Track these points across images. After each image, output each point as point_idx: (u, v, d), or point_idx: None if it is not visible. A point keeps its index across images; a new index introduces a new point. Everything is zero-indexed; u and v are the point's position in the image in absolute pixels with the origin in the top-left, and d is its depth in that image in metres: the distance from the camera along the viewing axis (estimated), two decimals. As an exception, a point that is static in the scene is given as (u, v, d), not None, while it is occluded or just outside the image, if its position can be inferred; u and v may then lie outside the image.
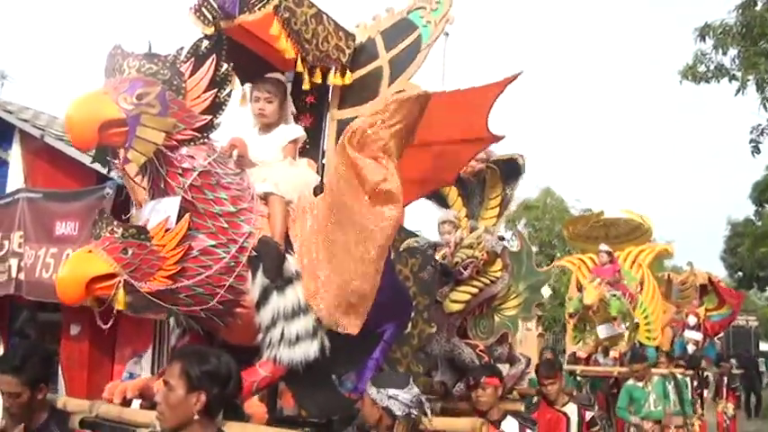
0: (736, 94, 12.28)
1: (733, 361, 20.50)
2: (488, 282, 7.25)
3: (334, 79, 5.20)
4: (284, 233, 4.42)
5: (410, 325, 5.89)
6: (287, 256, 4.36)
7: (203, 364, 3.28)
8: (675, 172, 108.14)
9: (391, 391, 4.19)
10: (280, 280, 4.27)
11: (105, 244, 3.86)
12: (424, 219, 8.21)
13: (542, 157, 51.08)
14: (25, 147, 11.93)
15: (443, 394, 7.11)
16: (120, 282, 3.80)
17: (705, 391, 16.46)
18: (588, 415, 7.14)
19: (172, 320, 4.78)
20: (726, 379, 18.22)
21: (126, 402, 4.24)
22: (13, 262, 10.79)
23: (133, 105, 3.75)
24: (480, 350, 7.24)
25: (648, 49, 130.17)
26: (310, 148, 5.27)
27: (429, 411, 4.35)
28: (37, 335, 11.75)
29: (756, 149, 13.06)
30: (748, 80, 12.07)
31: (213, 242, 4.08)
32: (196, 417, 3.22)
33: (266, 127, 4.95)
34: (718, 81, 12.84)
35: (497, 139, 5.73)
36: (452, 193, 7.80)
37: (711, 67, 12.97)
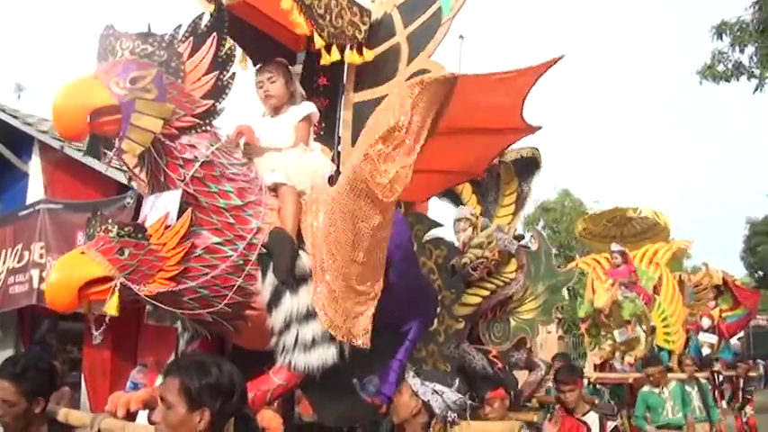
0: (754, 92, 12.10)
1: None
2: (501, 283, 6.86)
3: (351, 57, 4.88)
4: (296, 227, 4.09)
5: (436, 321, 5.58)
6: (300, 252, 4.01)
7: (203, 376, 3.00)
8: (694, 172, 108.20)
9: (438, 387, 3.99)
10: (292, 279, 3.93)
11: (99, 245, 3.54)
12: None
13: (561, 158, 50.60)
14: (45, 158, 12.18)
15: None
16: (116, 285, 3.48)
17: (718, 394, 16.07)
18: (610, 425, 6.81)
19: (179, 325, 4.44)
20: (742, 381, 17.92)
21: (130, 415, 3.91)
22: (35, 273, 10.71)
23: (127, 90, 3.42)
24: (493, 356, 6.79)
25: (667, 47, 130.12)
26: (324, 134, 4.99)
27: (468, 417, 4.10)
28: (58, 344, 11.97)
29: (775, 147, 12.78)
30: (767, 77, 11.86)
31: (219, 239, 3.75)
32: None
33: (275, 110, 4.61)
34: (737, 79, 12.63)
35: (533, 129, 5.09)
36: (466, 190, 7.43)
37: (729, 66, 12.84)
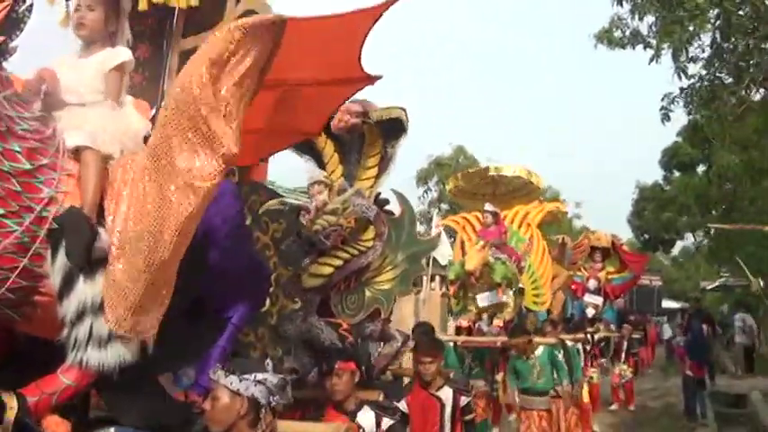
0: (650, 62, 12.18)
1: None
2: (357, 252, 6.49)
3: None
4: (97, 200, 3.60)
5: (268, 302, 5.26)
6: (99, 230, 3.54)
7: None
8: (589, 135, 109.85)
9: (259, 376, 3.59)
10: (87, 264, 3.49)
11: None
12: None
13: (457, 114, 50.60)
14: None
15: (295, 381, 6.08)
16: None
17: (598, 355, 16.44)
18: (464, 400, 6.65)
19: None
20: (626, 343, 18.34)
21: None
22: None
23: None
24: (344, 329, 6.39)
25: (567, 9, 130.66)
26: (147, 86, 4.56)
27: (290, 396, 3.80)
28: None
29: (667, 117, 12.93)
30: (663, 48, 11.95)
31: (1, 210, 3.31)
32: None
33: (87, 47, 4.05)
34: (633, 47, 12.70)
35: (373, 79, 4.69)
36: (328, 150, 6.92)
37: (627, 33, 12.87)
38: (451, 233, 14.78)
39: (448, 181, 15.41)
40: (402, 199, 7.60)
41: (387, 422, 5.33)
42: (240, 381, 3.56)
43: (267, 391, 3.60)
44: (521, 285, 12.00)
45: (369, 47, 4.35)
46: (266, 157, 5.53)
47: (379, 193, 7.21)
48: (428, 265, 16.15)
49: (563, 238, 16.27)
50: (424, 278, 19.16)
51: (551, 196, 35.20)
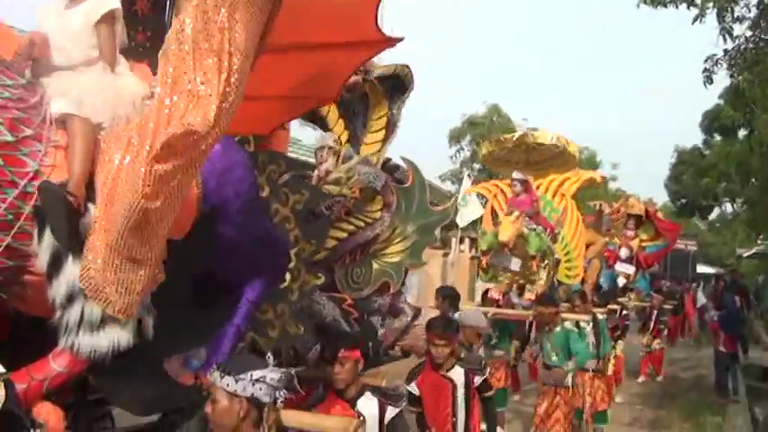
0: (694, 22, 11.77)
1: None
2: (363, 224, 6.20)
3: None
4: (86, 173, 3.37)
5: (288, 277, 5.02)
6: (89, 206, 3.33)
7: None
8: (629, 96, 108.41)
9: (257, 374, 3.31)
10: (75, 241, 3.28)
11: None
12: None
13: (494, 73, 49.87)
14: None
15: (293, 359, 5.79)
16: None
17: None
18: (477, 380, 6.42)
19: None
20: (656, 312, 17.99)
21: None
22: None
23: None
24: (348, 305, 6.11)
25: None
26: (150, 47, 4.22)
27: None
28: None
29: (709, 79, 12.62)
30: (708, 7, 11.53)
31: None
32: None
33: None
34: (677, 6, 12.26)
35: (392, 41, 4.30)
36: (332, 114, 6.52)
37: (671, -10, 12.41)
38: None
39: (481, 144, 14.97)
40: (413, 167, 7.14)
41: (391, 412, 5.03)
42: (236, 381, 3.28)
43: (268, 388, 3.32)
44: (556, 257, 11.67)
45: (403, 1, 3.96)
46: (280, 125, 5.16)
47: (389, 159, 6.89)
48: (457, 227, 15.94)
49: (600, 204, 15.93)
50: (453, 240, 18.95)
51: (588, 156, 34.76)
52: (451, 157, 34.30)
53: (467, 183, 16.31)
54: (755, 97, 14.01)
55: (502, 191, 12.29)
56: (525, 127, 15.10)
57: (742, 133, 28.90)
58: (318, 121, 6.56)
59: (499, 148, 12.97)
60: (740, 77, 12.97)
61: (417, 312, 7.09)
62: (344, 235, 6.10)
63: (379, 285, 6.62)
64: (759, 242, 34.62)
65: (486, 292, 11.62)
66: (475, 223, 16.66)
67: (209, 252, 3.93)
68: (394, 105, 6.62)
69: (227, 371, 3.30)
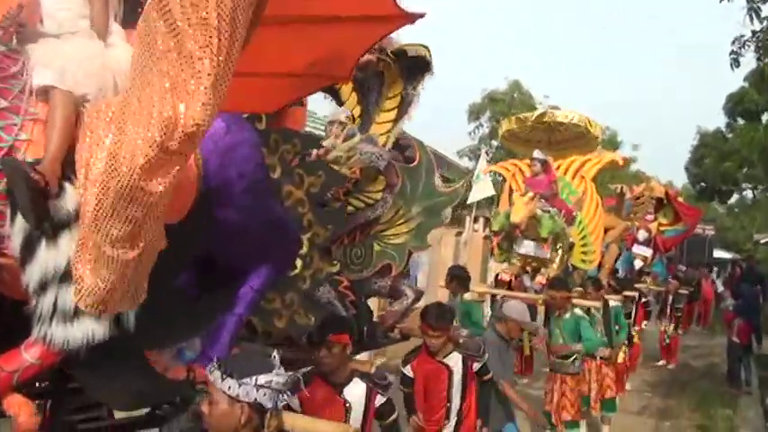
0: (721, 1, 11.42)
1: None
2: (362, 205, 6.01)
3: None
4: (64, 149, 3.12)
5: (299, 264, 4.81)
6: (65, 186, 3.08)
7: None
8: (652, 76, 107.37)
9: (262, 379, 3.01)
10: (48, 224, 3.06)
11: None
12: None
13: (514, 49, 49.29)
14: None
15: (285, 340, 5.49)
16: None
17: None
18: (476, 366, 6.33)
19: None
20: (671, 298, 17.79)
21: None
22: None
23: None
24: (344, 286, 5.83)
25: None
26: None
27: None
28: None
29: (736, 62, 12.32)
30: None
31: None
32: None
33: None
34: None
35: (412, 17, 3.90)
36: (346, 88, 6.30)
37: (699, -32, 12.16)
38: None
39: (501, 122, 14.63)
40: (419, 146, 6.88)
41: (380, 400, 4.91)
42: (239, 385, 3.00)
43: (273, 393, 3.05)
44: (571, 240, 11.30)
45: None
46: (292, 103, 4.89)
47: (403, 134, 6.61)
48: (472, 206, 15.70)
49: (621, 188, 15.61)
50: (467, 219, 18.71)
51: (609, 136, 34.33)
52: (470, 133, 33.73)
53: (483, 160, 16.02)
54: (780, 82, 13.70)
55: (521, 170, 11.90)
56: (547, 105, 14.81)
57: (766, 118, 28.50)
58: (332, 92, 6.34)
59: (519, 127, 12.66)
60: (767, 61, 12.69)
61: (419, 295, 6.89)
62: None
63: (381, 267, 6.44)
64: (777, 228, 34.31)
65: (498, 276, 11.41)
66: (490, 202, 16.43)
67: (209, 236, 3.70)
68: (410, 85, 6.33)
69: (230, 373, 3.02)
